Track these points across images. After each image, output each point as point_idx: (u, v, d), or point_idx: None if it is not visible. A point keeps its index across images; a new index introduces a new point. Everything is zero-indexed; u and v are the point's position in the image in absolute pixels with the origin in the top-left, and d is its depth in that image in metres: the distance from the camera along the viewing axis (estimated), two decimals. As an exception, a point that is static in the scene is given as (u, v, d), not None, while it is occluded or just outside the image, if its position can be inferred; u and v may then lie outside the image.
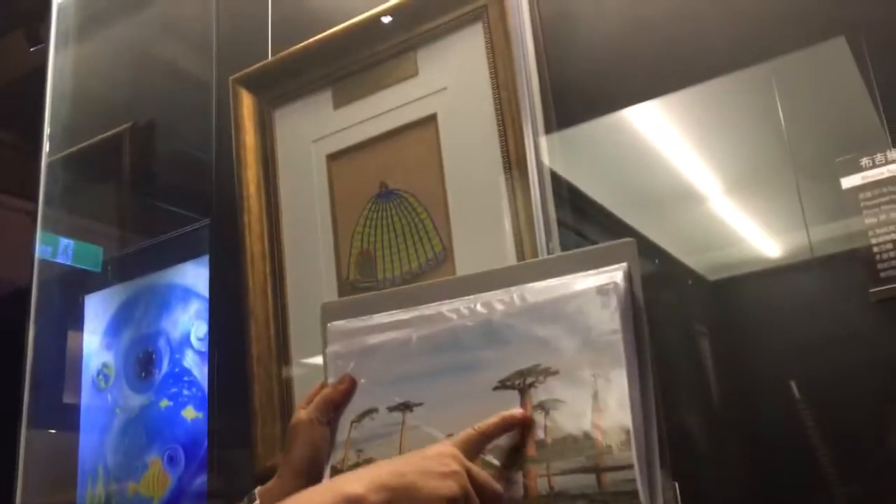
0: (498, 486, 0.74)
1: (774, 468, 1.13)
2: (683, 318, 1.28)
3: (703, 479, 1.21)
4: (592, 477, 0.72)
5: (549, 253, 1.27)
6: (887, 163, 1.09)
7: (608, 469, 0.71)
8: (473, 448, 0.75)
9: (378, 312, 0.90)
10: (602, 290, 0.78)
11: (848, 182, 1.11)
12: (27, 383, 1.79)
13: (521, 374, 0.79)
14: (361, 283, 1.49)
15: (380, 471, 0.69)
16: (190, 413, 1.72)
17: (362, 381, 0.87)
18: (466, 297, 0.85)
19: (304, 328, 1.54)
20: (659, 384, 0.76)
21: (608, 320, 0.77)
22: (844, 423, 1.09)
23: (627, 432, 0.72)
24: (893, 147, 1.09)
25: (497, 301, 0.83)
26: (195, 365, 1.74)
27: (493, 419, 0.76)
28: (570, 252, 0.87)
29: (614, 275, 0.79)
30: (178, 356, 1.78)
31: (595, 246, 0.86)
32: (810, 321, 1.15)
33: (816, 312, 1.15)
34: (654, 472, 0.72)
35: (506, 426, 0.77)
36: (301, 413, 0.87)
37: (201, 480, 1.65)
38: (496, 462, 0.76)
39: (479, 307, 0.84)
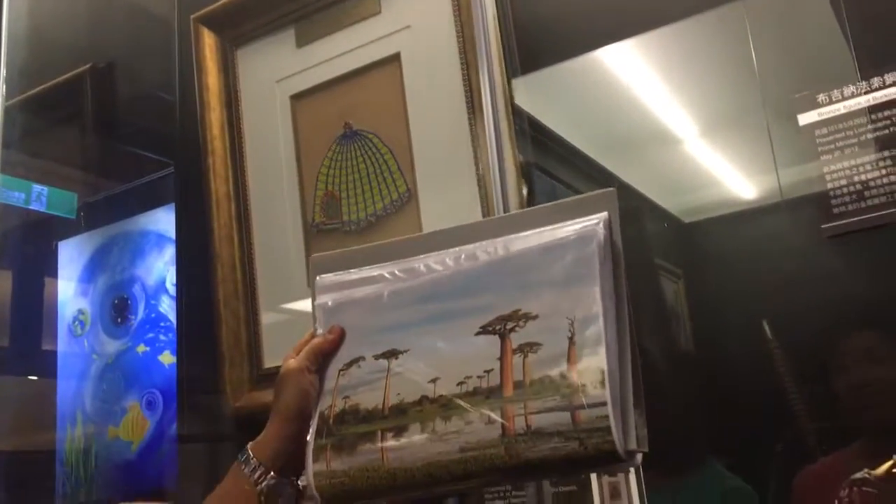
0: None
1: (744, 404, 1.16)
2: (658, 260, 1.28)
3: (673, 416, 1.23)
4: (567, 415, 0.73)
5: (503, 194, 1.27)
6: (843, 99, 1.08)
7: (582, 407, 0.73)
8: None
9: (365, 265, 0.92)
10: (582, 238, 0.80)
11: (805, 119, 1.10)
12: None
13: (502, 319, 0.81)
14: (326, 224, 1.49)
15: None
16: (167, 358, 1.74)
17: (350, 331, 0.89)
18: (451, 250, 0.88)
19: (271, 270, 1.54)
20: (634, 327, 0.78)
21: (587, 267, 0.79)
22: (808, 360, 1.11)
23: (602, 372, 0.74)
24: (862, 80, 1.08)
25: (481, 251, 0.86)
26: (171, 310, 1.74)
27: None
28: (553, 203, 0.89)
29: (594, 223, 0.81)
30: (153, 302, 1.78)
31: (577, 196, 0.87)
32: (777, 262, 1.16)
33: (783, 253, 1.16)
34: (628, 410, 0.74)
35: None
36: (290, 362, 0.89)
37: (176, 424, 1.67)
38: (465, 405, 0.78)
39: (463, 258, 0.86)
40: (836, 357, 1.09)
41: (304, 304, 1.48)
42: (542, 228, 0.84)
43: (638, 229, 1.30)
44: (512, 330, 0.80)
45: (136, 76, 1.91)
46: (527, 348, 0.78)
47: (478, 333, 0.81)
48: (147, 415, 1.73)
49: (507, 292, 0.82)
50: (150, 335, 1.77)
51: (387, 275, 0.90)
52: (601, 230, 0.80)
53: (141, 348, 1.77)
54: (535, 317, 0.79)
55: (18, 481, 1.77)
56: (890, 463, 0.90)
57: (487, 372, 0.79)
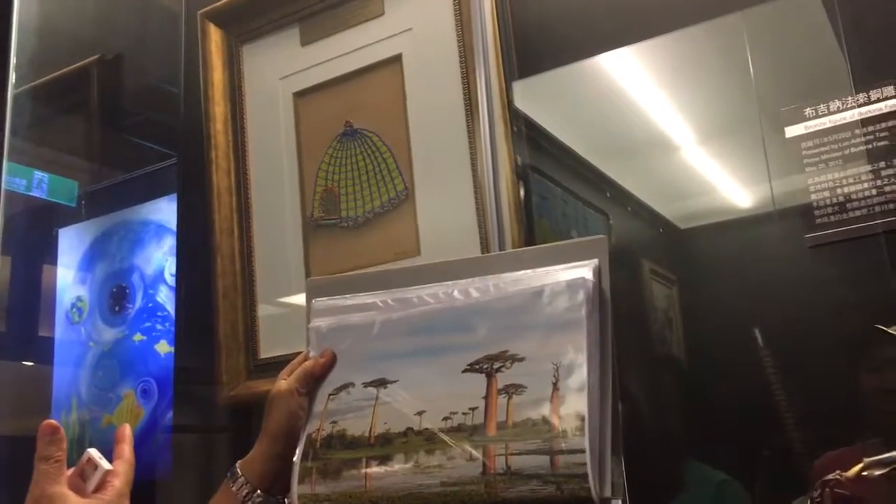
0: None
1: (733, 409, 1.18)
2: (652, 265, 1.30)
3: (665, 422, 1.25)
4: (546, 459, 0.76)
5: (496, 194, 1.29)
6: (830, 113, 1.10)
7: (562, 452, 0.76)
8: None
9: (360, 292, 0.95)
10: (571, 285, 0.83)
11: (791, 131, 1.13)
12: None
13: (490, 358, 0.84)
14: (325, 220, 1.51)
15: None
16: (163, 347, 1.74)
17: (342, 356, 0.92)
18: (444, 283, 0.90)
19: (269, 263, 1.56)
20: (618, 375, 0.81)
21: (575, 313, 0.81)
22: (798, 368, 1.12)
23: (583, 419, 0.76)
24: (857, 94, 1.11)
25: (473, 289, 0.88)
26: (169, 300, 1.75)
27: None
28: (544, 245, 0.95)
29: (584, 270, 0.83)
30: (151, 291, 1.79)
31: (568, 241, 0.92)
32: (767, 270, 1.18)
33: (773, 261, 1.18)
34: (605, 457, 0.77)
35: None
36: (282, 383, 0.92)
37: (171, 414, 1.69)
38: (449, 440, 0.81)
39: (455, 293, 0.89)
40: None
41: (300, 298, 1.50)
42: (534, 270, 0.87)
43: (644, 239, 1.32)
44: (498, 370, 0.83)
45: (143, 69, 1.92)
46: (512, 389, 0.81)
47: (465, 371, 0.84)
48: (141, 403, 1.74)
49: (496, 332, 0.84)
50: (147, 324, 1.77)
51: (380, 303, 0.92)
52: (591, 278, 0.83)
53: (137, 337, 1.78)
54: (522, 359, 0.82)
55: (12, 465, 1.78)
56: (860, 466, 0.92)
57: (472, 409, 0.82)
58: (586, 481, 0.74)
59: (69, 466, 0.85)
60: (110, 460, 0.86)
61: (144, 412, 1.73)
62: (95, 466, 0.84)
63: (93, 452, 0.85)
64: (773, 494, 1.12)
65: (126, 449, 0.87)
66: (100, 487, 0.84)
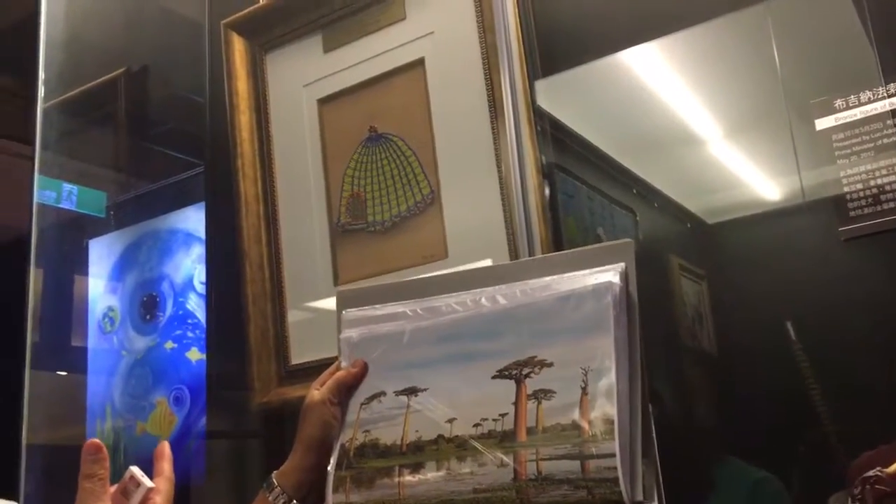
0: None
1: (767, 405, 1.17)
2: (682, 263, 1.30)
3: (698, 420, 1.24)
4: (577, 464, 0.76)
5: (524, 195, 1.29)
6: (860, 104, 1.09)
7: (592, 457, 0.76)
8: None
9: (389, 302, 0.96)
10: (598, 290, 0.83)
11: (822, 123, 1.12)
12: (29, 325, 1.83)
13: (518, 364, 0.84)
14: (352, 225, 1.52)
15: None
16: (195, 355, 1.76)
17: (373, 365, 0.93)
18: (472, 291, 0.91)
19: (297, 269, 1.57)
20: (647, 378, 0.81)
21: (602, 318, 0.81)
22: (832, 363, 1.11)
23: (612, 423, 0.76)
24: (885, 84, 1.09)
25: (500, 295, 0.89)
26: (199, 308, 1.77)
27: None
28: (572, 251, 0.95)
29: (611, 274, 0.83)
30: (181, 299, 1.81)
31: (594, 246, 0.92)
32: (799, 264, 1.17)
33: (804, 255, 1.17)
34: (636, 461, 0.77)
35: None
36: (314, 394, 0.93)
37: (205, 420, 1.70)
38: (480, 447, 0.82)
39: (483, 300, 0.89)
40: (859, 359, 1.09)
41: (329, 303, 1.51)
42: (561, 276, 0.87)
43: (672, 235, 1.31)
44: (527, 376, 0.83)
45: (168, 79, 1.95)
46: (541, 395, 0.81)
47: (494, 377, 0.84)
48: (174, 410, 1.75)
49: (524, 338, 0.85)
50: (178, 332, 1.79)
51: (409, 312, 0.93)
52: (617, 282, 0.82)
53: (169, 345, 1.80)
54: (551, 364, 0.82)
55: (48, 474, 1.80)
56: (902, 462, 0.91)
57: (502, 416, 0.82)
58: (617, 485, 0.74)
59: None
60: (149, 475, 0.88)
61: (178, 419, 1.75)
62: (138, 484, 0.86)
63: (135, 470, 0.87)
64: (809, 491, 1.11)
65: (166, 466, 0.89)
66: None
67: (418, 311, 0.93)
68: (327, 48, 1.59)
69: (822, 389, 1.10)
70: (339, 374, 0.93)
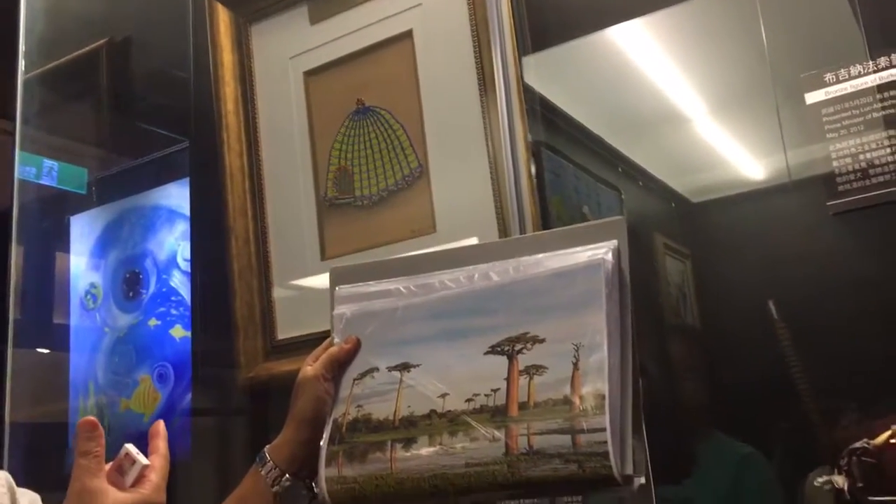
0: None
1: (750, 382, 1.18)
2: (666, 242, 1.30)
3: (684, 397, 1.25)
4: (568, 438, 0.77)
5: (515, 170, 1.28)
6: (850, 78, 1.09)
7: (583, 431, 0.76)
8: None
9: (383, 278, 0.96)
10: (590, 266, 0.84)
11: (812, 98, 1.12)
12: (11, 303, 1.82)
13: (511, 340, 0.85)
14: (339, 199, 1.51)
15: None
16: (178, 332, 1.75)
17: (366, 341, 0.93)
18: (465, 268, 0.92)
19: (284, 243, 1.56)
20: (638, 354, 0.82)
21: (594, 294, 0.82)
22: (815, 337, 1.12)
23: (603, 398, 0.77)
24: (871, 59, 1.10)
25: (493, 272, 0.90)
26: (182, 285, 1.76)
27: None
28: (564, 228, 0.96)
29: (603, 251, 0.84)
30: (165, 276, 1.80)
31: (586, 223, 0.93)
32: (784, 241, 1.18)
33: (790, 232, 1.17)
34: (626, 436, 0.78)
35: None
36: (308, 369, 0.94)
37: (190, 397, 1.70)
38: (472, 422, 0.82)
39: (476, 277, 0.90)
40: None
41: (316, 278, 1.50)
42: (553, 253, 0.87)
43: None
44: (519, 352, 0.84)
45: (152, 51, 1.91)
46: (533, 370, 0.82)
47: (487, 353, 0.85)
48: (158, 387, 1.75)
49: (517, 314, 0.86)
50: (162, 309, 1.78)
51: (402, 289, 0.94)
52: (610, 258, 0.83)
53: (152, 322, 1.79)
54: (542, 340, 0.83)
55: (32, 451, 1.79)
56: (888, 433, 0.92)
57: (494, 391, 0.83)
58: (608, 459, 0.75)
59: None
60: (142, 452, 0.88)
61: (161, 396, 1.74)
62: (133, 461, 0.86)
63: (130, 447, 0.87)
64: (791, 465, 1.12)
65: (161, 444, 0.89)
66: (137, 481, 0.86)
67: (411, 287, 0.93)
68: (314, 19, 1.57)
69: (804, 366, 1.11)
70: (332, 349, 0.94)
